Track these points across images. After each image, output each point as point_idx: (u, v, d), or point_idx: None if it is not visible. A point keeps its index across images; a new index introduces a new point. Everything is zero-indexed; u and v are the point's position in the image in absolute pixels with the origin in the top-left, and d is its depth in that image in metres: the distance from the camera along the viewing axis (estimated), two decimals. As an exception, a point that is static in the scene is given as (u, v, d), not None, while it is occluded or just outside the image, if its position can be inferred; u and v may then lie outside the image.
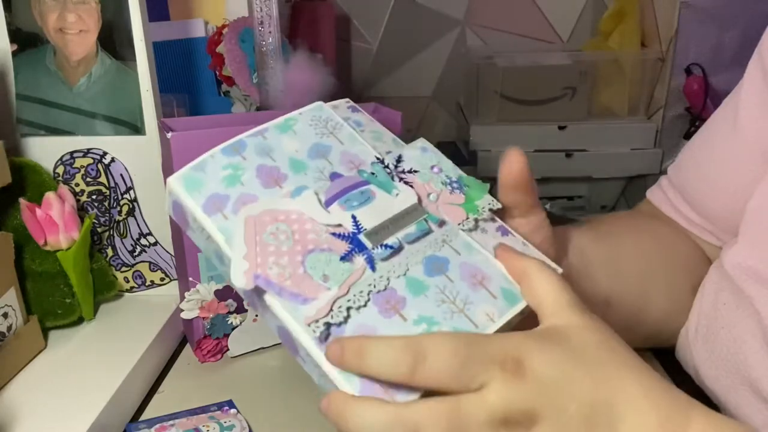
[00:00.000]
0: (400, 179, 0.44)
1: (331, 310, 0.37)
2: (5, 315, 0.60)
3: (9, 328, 0.60)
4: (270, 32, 0.81)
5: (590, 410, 0.34)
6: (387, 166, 0.45)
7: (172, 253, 0.72)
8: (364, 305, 0.38)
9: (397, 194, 0.43)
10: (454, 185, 0.45)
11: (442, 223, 0.42)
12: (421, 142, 0.48)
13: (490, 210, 0.44)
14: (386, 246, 0.40)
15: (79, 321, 0.68)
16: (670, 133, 1.28)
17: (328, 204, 0.41)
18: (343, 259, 0.39)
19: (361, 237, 0.40)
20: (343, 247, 0.39)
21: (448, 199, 0.44)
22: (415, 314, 0.38)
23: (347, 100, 0.50)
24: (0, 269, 0.60)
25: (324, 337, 0.36)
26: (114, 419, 0.57)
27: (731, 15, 1.19)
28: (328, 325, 0.37)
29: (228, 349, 0.68)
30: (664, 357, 0.62)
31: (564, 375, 0.35)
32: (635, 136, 1.29)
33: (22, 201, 0.64)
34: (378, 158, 0.45)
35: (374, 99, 1.04)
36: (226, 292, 0.66)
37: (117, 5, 0.65)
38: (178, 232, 0.65)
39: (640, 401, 0.35)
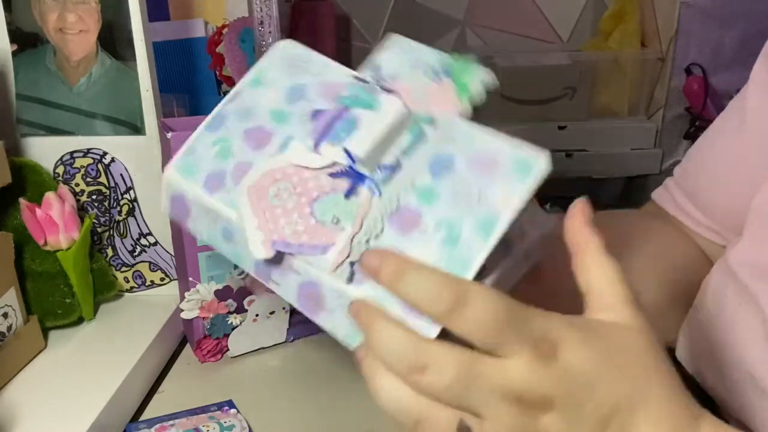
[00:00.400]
0: (383, 88, 0.42)
1: (351, 249, 0.37)
2: (5, 315, 0.60)
3: (9, 328, 0.60)
4: (270, 32, 0.81)
5: (608, 412, 0.34)
6: (366, 81, 0.42)
7: (172, 253, 0.72)
8: (381, 232, 0.37)
9: (380, 108, 0.40)
10: (440, 74, 0.42)
11: (432, 121, 0.40)
12: (397, 39, 0.45)
13: (486, 91, 0.41)
14: (384, 167, 0.39)
15: (79, 321, 0.68)
16: (670, 133, 1.28)
17: (317, 145, 0.40)
18: (347, 195, 0.38)
19: (357, 167, 0.39)
20: (344, 184, 0.39)
21: (436, 92, 0.41)
22: (433, 222, 0.36)
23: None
24: (0, 269, 0.60)
25: (351, 277, 0.36)
26: (114, 419, 0.57)
27: (731, 15, 1.19)
28: (351, 264, 0.36)
29: (228, 349, 0.68)
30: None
31: (594, 374, 0.34)
32: (635, 136, 1.29)
33: (22, 201, 0.64)
34: (355, 76, 0.43)
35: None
36: (226, 292, 0.66)
37: (117, 5, 0.65)
38: (178, 232, 0.65)
39: (658, 413, 0.35)
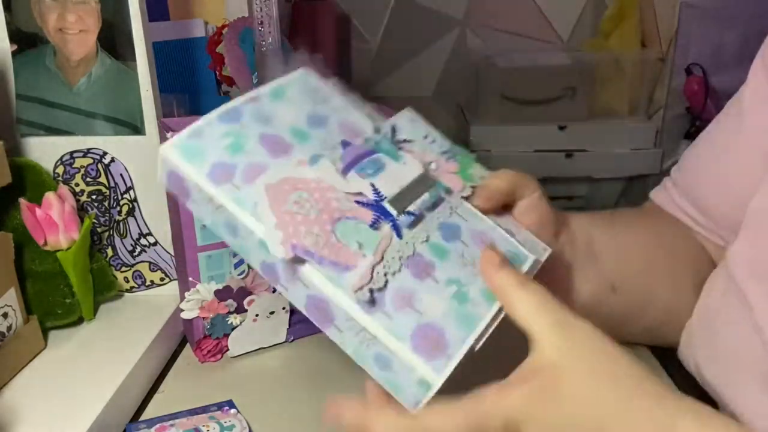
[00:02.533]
0: (399, 149, 0.44)
1: (372, 276, 0.37)
2: (5, 315, 0.60)
3: (9, 328, 0.60)
4: (270, 32, 0.81)
5: None
6: (385, 136, 0.45)
7: (172, 253, 0.72)
8: (399, 270, 0.38)
9: (404, 163, 0.43)
10: (448, 154, 0.46)
11: (449, 191, 0.43)
12: (408, 111, 0.48)
13: (481, 179, 0.45)
14: (409, 213, 0.40)
15: (79, 321, 0.68)
16: (670, 133, 1.28)
17: (345, 172, 0.41)
18: (371, 226, 0.39)
19: (386, 204, 0.40)
20: (369, 214, 0.40)
21: (445, 168, 0.45)
22: (445, 277, 0.39)
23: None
24: (0, 269, 0.60)
25: (371, 303, 0.37)
26: (114, 419, 0.57)
27: (731, 15, 1.19)
28: (371, 291, 0.37)
29: (228, 349, 0.68)
30: (663, 355, 0.62)
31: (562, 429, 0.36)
32: (635, 136, 1.29)
33: (22, 201, 0.64)
34: (375, 127, 0.45)
35: (374, 99, 1.03)
36: (226, 292, 0.66)
37: (117, 5, 0.65)
38: (178, 232, 0.65)
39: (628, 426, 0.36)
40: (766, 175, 0.51)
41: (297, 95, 0.45)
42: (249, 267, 0.67)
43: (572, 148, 1.27)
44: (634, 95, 1.32)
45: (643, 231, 0.60)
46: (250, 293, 0.67)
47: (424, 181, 0.43)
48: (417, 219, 0.41)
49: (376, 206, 0.40)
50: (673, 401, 0.37)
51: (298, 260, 0.38)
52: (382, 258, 0.38)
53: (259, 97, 0.44)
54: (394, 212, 0.40)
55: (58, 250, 0.66)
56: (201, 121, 0.42)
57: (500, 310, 0.39)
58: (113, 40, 0.66)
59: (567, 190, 1.32)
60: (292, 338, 0.71)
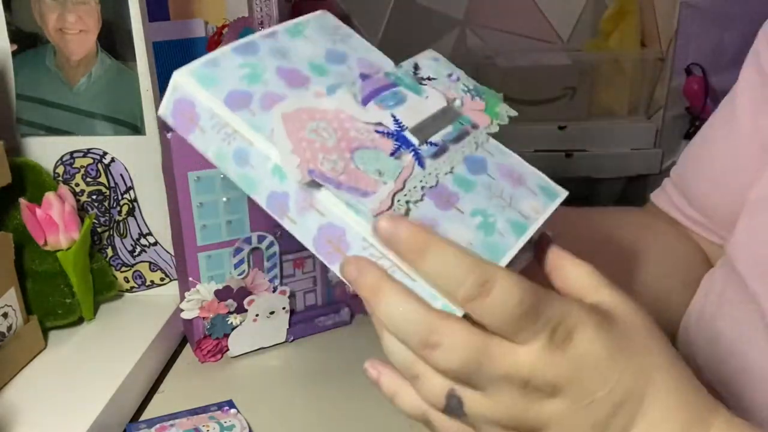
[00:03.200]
0: (422, 84, 0.43)
1: (392, 203, 0.36)
2: (5, 315, 0.60)
3: (9, 328, 0.60)
4: (270, 32, 0.80)
5: (619, 399, 0.34)
6: (407, 72, 0.44)
7: (172, 253, 0.72)
8: (421, 199, 0.37)
9: (426, 97, 0.42)
10: (473, 92, 0.45)
11: (474, 126, 0.43)
12: (431, 52, 0.47)
13: (509, 117, 0.44)
14: (431, 143, 0.39)
15: (79, 321, 0.68)
16: (670, 133, 1.28)
17: (364, 103, 0.40)
18: (392, 155, 0.38)
19: (406, 134, 0.39)
20: (389, 144, 0.39)
21: (471, 105, 0.44)
22: (470, 207, 0.38)
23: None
24: (0, 269, 0.60)
25: None
26: (114, 419, 0.57)
27: (731, 15, 1.19)
28: None
29: (228, 349, 0.68)
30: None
31: (607, 362, 0.34)
32: (635, 136, 1.29)
33: (22, 201, 0.64)
34: (396, 64, 0.45)
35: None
36: (226, 292, 0.66)
37: (117, 5, 0.65)
38: (178, 232, 0.65)
39: (669, 399, 0.35)
40: (765, 166, 0.52)
41: (316, 33, 0.45)
42: (249, 267, 0.67)
43: (572, 148, 1.27)
44: (634, 95, 1.32)
45: (637, 231, 0.60)
46: (250, 293, 0.67)
47: (448, 114, 0.42)
48: (440, 150, 0.40)
49: (397, 135, 0.39)
50: (709, 397, 0.36)
51: (314, 185, 0.37)
52: (404, 186, 0.37)
53: (277, 33, 0.44)
54: (415, 141, 0.39)
55: (58, 250, 0.65)
56: (217, 52, 0.41)
57: (530, 240, 0.38)
58: (113, 40, 0.66)
59: (567, 190, 1.32)
60: (292, 338, 0.71)
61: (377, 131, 0.39)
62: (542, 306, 0.33)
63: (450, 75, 0.45)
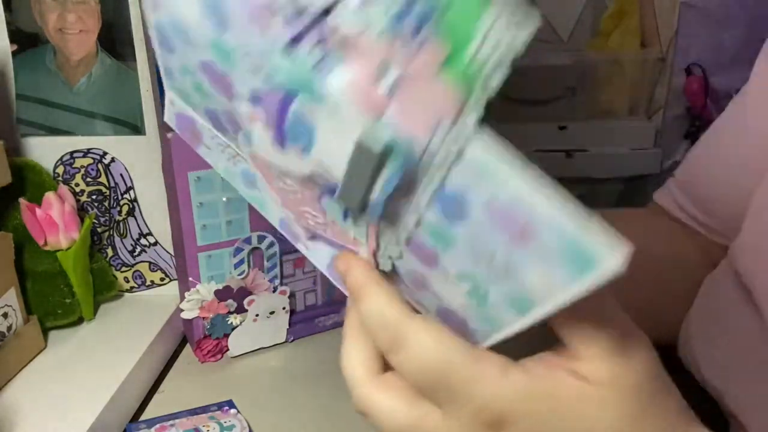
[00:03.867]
0: (327, 66, 0.27)
1: (378, 263, 0.33)
2: (5, 315, 0.60)
3: (9, 328, 0.60)
4: (270, 32, 0.80)
5: None
6: (299, 38, 0.27)
7: (172, 253, 0.72)
8: (400, 256, 0.30)
9: (329, 101, 0.26)
10: (422, 30, 0.24)
11: (418, 142, 0.26)
12: None
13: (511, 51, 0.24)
14: (372, 206, 0.28)
15: (79, 321, 0.68)
16: (670, 133, 1.28)
17: (282, 144, 0.29)
18: (345, 218, 0.32)
19: (339, 202, 0.29)
20: (339, 211, 0.32)
21: (418, 66, 0.25)
22: (455, 270, 0.28)
23: None
24: (0, 269, 0.60)
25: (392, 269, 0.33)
26: (114, 419, 0.57)
27: (731, 15, 1.19)
28: (390, 257, 0.32)
29: (228, 349, 0.68)
30: (663, 355, 0.62)
31: None
32: (635, 136, 1.29)
33: (22, 201, 0.64)
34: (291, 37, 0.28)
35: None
36: (226, 292, 0.66)
37: (117, 5, 0.65)
38: (178, 232, 0.65)
39: None
40: None
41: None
42: (249, 267, 0.67)
43: (572, 148, 1.27)
44: (634, 95, 1.32)
45: (640, 231, 0.60)
46: (250, 293, 0.67)
47: (373, 142, 0.26)
48: (384, 208, 0.28)
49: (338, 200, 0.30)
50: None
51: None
52: (378, 246, 0.31)
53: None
54: (355, 210, 0.29)
55: (58, 250, 0.66)
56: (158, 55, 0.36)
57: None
58: (113, 40, 0.66)
59: (567, 190, 1.32)
60: (292, 338, 0.71)
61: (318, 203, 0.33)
62: (460, 381, 0.29)
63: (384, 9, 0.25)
